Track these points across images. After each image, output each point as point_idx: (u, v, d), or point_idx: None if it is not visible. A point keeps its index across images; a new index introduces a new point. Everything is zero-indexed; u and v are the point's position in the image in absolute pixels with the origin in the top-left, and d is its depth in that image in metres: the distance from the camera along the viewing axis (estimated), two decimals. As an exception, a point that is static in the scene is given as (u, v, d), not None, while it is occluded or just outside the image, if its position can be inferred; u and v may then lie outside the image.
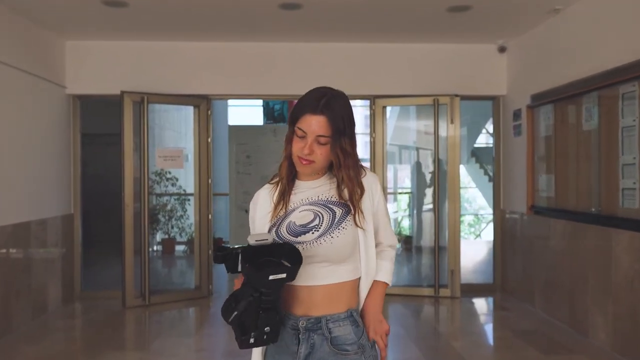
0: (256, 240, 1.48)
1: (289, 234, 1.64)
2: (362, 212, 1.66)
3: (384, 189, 6.93)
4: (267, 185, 1.76)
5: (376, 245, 1.74)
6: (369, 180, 1.70)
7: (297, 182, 1.72)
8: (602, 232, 4.32)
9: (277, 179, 1.73)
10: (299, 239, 1.62)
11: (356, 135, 1.69)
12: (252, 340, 1.48)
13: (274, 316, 1.50)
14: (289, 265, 1.47)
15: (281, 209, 1.68)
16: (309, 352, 1.61)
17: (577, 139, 4.79)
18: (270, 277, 1.45)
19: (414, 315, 5.64)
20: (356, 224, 1.64)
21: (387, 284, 1.75)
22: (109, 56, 6.06)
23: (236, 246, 1.50)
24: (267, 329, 1.49)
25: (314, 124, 1.59)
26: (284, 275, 1.46)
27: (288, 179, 1.70)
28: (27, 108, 5.23)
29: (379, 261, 1.74)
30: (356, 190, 1.66)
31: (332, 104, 1.60)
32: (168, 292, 6.36)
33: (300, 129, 1.61)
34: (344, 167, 1.64)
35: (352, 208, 1.66)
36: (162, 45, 6.09)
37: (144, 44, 6.08)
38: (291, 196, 1.70)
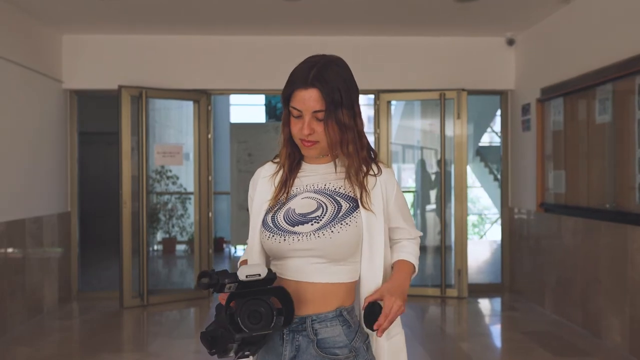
0: (247, 276, 1.32)
1: (286, 222, 1.46)
2: (368, 192, 1.47)
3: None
4: (269, 165, 1.58)
5: (397, 242, 1.60)
6: (384, 179, 1.51)
7: (304, 165, 1.54)
8: (616, 229, 4.15)
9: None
10: (296, 228, 1.44)
11: (359, 104, 1.50)
12: (231, 354, 1.36)
13: (255, 347, 1.38)
14: (276, 315, 1.34)
15: (282, 194, 1.51)
16: (294, 355, 1.44)
17: (590, 133, 4.63)
18: (254, 334, 1.32)
19: (420, 315, 5.49)
20: (363, 205, 1.46)
21: (413, 266, 1.57)
22: (106, 50, 5.92)
23: (221, 270, 1.34)
24: (247, 352, 1.37)
25: (307, 100, 1.41)
26: (270, 331, 1.34)
27: (290, 166, 1.52)
28: (22, 102, 5.09)
29: (404, 241, 1.60)
30: (360, 168, 1.48)
31: (324, 74, 1.41)
32: (167, 292, 6.22)
33: (294, 108, 1.44)
34: (342, 143, 1.45)
35: (358, 189, 1.47)
36: (161, 38, 5.95)
37: (142, 38, 5.94)
38: (295, 179, 1.52)
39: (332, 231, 1.42)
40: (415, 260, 1.59)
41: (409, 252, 1.59)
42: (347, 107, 1.44)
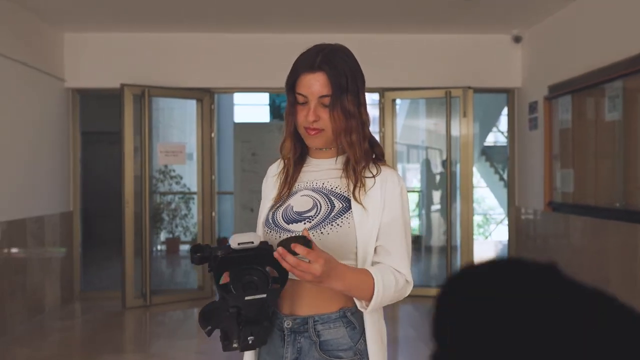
0: (239, 244, 1.26)
1: (284, 219, 1.42)
2: (364, 184, 1.40)
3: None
4: (279, 162, 1.55)
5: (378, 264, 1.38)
6: (383, 177, 1.41)
7: (309, 159, 1.50)
8: (627, 229, 4.07)
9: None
10: (290, 226, 1.40)
11: (365, 95, 1.44)
12: (235, 345, 1.29)
13: (257, 328, 1.30)
14: (272, 284, 1.27)
15: (285, 191, 1.47)
16: (296, 357, 1.38)
17: (599, 131, 4.55)
18: (247, 298, 1.24)
19: (425, 316, 5.41)
20: (355, 198, 1.38)
21: (373, 284, 1.30)
22: (108, 48, 5.87)
23: (215, 246, 1.28)
24: (250, 338, 1.29)
25: (314, 84, 1.37)
26: (264, 296, 1.25)
27: (293, 160, 1.48)
28: (23, 101, 5.05)
29: (387, 267, 1.36)
30: (361, 158, 1.40)
31: (331, 58, 1.38)
32: (170, 293, 6.17)
33: (300, 93, 1.39)
34: (345, 131, 1.38)
35: (353, 182, 1.40)
36: (164, 36, 5.90)
37: (145, 36, 5.89)
38: (300, 174, 1.48)
39: (321, 232, 1.37)
40: (380, 288, 1.30)
41: (381, 273, 1.32)
42: (352, 93, 1.39)
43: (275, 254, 1.22)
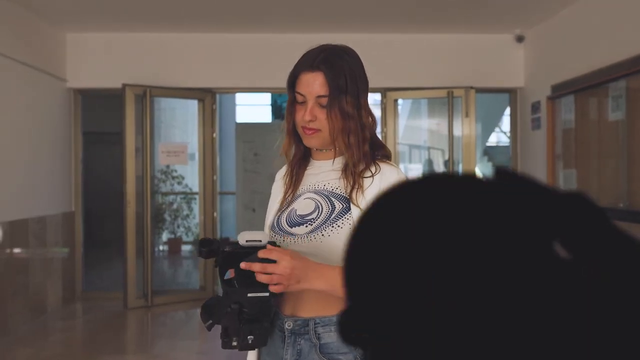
0: (247, 241, 1.25)
1: (287, 223, 1.42)
2: (361, 186, 1.37)
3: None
4: (286, 166, 1.55)
5: None
6: (380, 175, 1.38)
7: (311, 161, 1.49)
8: (630, 229, 4.02)
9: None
10: (293, 230, 1.40)
11: (367, 99, 1.43)
12: (234, 344, 1.28)
13: (257, 327, 1.28)
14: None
15: (289, 193, 1.47)
16: (296, 359, 1.37)
17: (602, 131, 4.53)
18: (250, 295, 1.24)
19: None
20: (353, 200, 1.36)
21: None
22: (110, 48, 5.86)
23: (222, 240, 1.29)
24: (250, 337, 1.28)
25: (312, 83, 1.36)
26: (266, 294, 1.24)
27: (295, 160, 1.47)
28: (25, 101, 5.05)
29: None
30: (360, 160, 1.38)
31: (331, 58, 1.36)
32: (172, 293, 6.17)
33: (299, 92, 1.38)
34: (343, 132, 1.36)
35: (351, 184, 1.37)
36: (166, 37, 5.89)
37: (146, 36, 5.88)
38: (304, 177, 1.48)
39: (322, 234, 1.36)
40: None
41: None
42: (351, 95, 1.37)
43: (242, 265, 1.22)
